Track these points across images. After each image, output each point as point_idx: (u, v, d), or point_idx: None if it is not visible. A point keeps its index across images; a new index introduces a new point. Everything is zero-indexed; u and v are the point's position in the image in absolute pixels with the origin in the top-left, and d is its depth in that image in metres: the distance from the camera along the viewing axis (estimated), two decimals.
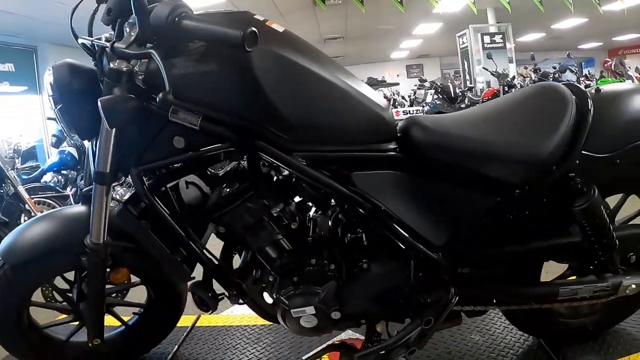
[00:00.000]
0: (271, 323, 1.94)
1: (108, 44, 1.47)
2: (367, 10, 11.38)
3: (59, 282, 2.01)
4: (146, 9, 1.36)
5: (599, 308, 2.08)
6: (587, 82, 11.51)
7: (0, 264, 1.82)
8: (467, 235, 1.70)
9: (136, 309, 2.23)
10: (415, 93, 13.54)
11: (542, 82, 1.98)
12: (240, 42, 1.26)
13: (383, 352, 1.65)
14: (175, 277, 2.03)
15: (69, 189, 6.61)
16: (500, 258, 1.75)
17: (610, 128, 1.67)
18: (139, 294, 2.19)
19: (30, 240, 1.82)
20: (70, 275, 1.96)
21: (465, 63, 13.70)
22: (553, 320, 2.05)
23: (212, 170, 1.76)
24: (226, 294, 1.77)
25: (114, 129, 1.52)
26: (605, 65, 18.49)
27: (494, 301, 1.79)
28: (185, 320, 2.57)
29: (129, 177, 1.61)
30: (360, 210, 1.64)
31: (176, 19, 1.33)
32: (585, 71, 14.57)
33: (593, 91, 1.73)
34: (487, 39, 12.97)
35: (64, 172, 6.88)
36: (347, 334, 2.33)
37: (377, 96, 1.67)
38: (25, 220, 3.91)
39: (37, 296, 2.01)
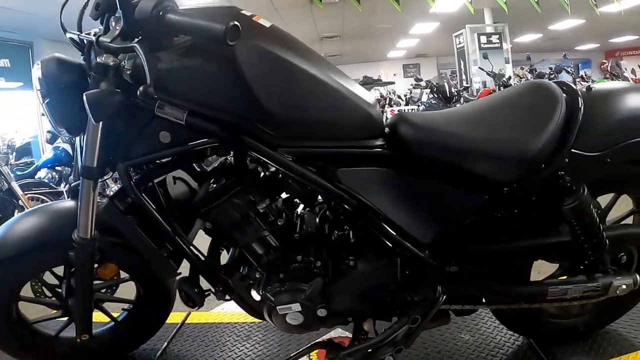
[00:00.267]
0: (261, 320, 1.94)
1: (94, 38, 1.47)
2: (364, 9, 11.35)
3: (49, 277, 2.00)
4: (131, 3, 1.37)
5: (589, 308, 2.07)
6: (584, 84, 11.50)
7: None
8: (455, 233, 1.69)
9: (125, 305, 2.22)
10: (411, 92, 13.51)
11: (534, 80, 1.97)
12: (223, 36, 1.26)
13: (370, 350, 1.64)
14: (162, 273, 2.00)
15: (62, 185, 6.61)
16: (489, 257, 1.75)
17: (601, 127, 1.66)
18: (128, 290, 2.18)
19: (19, 235, 1.83)
20: (60, 270, 1.95)
21: (462, 63, 13.69)
22: (543, 320, 2.04)
23: (200, 166, 1.75)
24: (212, 290, 1.77)
25: (100, 124, 1.52)
26: (602, 66, 18.49)
27: (483, 300, 1.79)
28: (175, 317, 2.57)
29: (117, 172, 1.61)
30: (346, 207, 1.64)
31: (160, 12, 1.34)
32: (581, 72, 14.54)
33: (584, 89, 1.72)
34: (483, 39, 12.95)
35: (58, 168, 6.88)
36: (337, 332, 2.32)
37: (364, 93, 1.66)
38: None
39: (27, 291, 2.00)
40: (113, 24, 1.45)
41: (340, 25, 15.38)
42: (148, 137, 1.55)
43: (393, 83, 15.86)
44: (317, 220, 1.75)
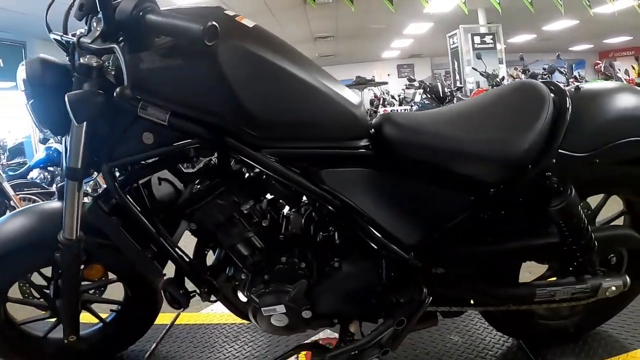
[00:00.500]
0: (249, 322, 1.91)
1: (75, 39, 1.45)
2: (357, 9, 11.35)
3: (38, 278, 1.99)
4: (111, 4, 1.37)
5: (579, 310, 2.05)
6: (577, 84, 11.49)
7: None
8: (441, 234, 1.68)
9: (114, 306, 2.22)
10: (404, 93, 13.51)
11: (521, 80, 1.96)
12: (200, 36, 1.26)
13: (355, 352, 1.63)
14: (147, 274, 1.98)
15: (54, 185, 6.58)
16: (476, 258, 1.74)
17: (589, 127, 1.65)
18: (117, 291, 2.17)
19: (5, 236, 1.82)
20: (48, 271, 1.94)
21: (456, 63, 13.70)
22: (532, 321, 2.02)
23: (185, 167, 1.73)
24: (198, 291, 1.75)
25: (84, 125, 1.52)
26: (596, 67, 18.54)
27: (471, 302, 1.77)
28: (164, 318, 2.55)
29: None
30: (330, 208, 1.63)
31: (140, 13, 1.34)
32: (575, 73, 14.56)
33: (573, 89, 1.71)
34: (477, 39, 12.96)
35: (50, 168, 6.86)
36: (326, 334, 2.31)
37: (349, 93, 1.65)
38: None
39: (15, 292, 2.00)
40: (94, 24, 1.45)
41: (334, 25, 15.37)
42: (131, 138, 1.55)
43: (386, 83, 15.89)
44: (303, 221, 1.74)
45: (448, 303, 1.76)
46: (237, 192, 1.65)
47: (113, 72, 1.48)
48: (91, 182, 5.91)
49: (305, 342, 2.11)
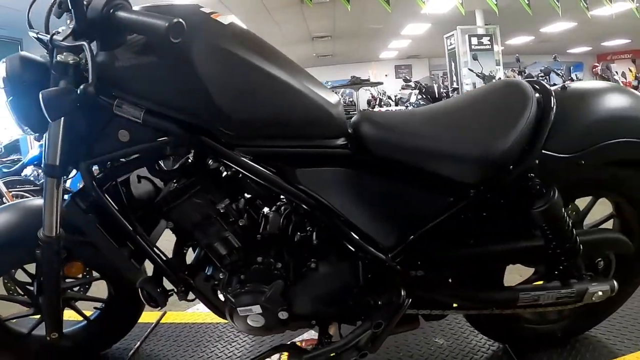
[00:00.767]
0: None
1: (48, 37, 1.47)
2: (354, 9, 11.35)
3: (22, 275, 2.00)
4: (82, 2, 1.38)
5: (567, 314, 2.01)
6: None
7: None
8: (419, 236, 1.65)
9: (98, 304, 2.22)
10: (400, 93, 13.54)
11: (506, 79, 1.93)
12: (165, 33, 1.27)
13: (332, 354, 1.62)
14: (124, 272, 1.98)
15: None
16: (457, 261, 1.71)
17: (575, 127, 1.61)
18: (102, 289, 2.18)
19: None
20: (33, 268, 1.93)
21: (453, 64, 13.67)
22: (518, 325, 1.99)
23: (162, 165, 1.72)
24: (175, 290, 1.74)
25: (61, 122, 1.52)
26: (594, 70, 18.59)
27: (453, 305, 1.75)
28: (151, 317, 2.61)
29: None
30: (306, 208, 1.61)
31: (111, 10, 1.35)
32: (572, 75, 14.58)
33: (559, 89, 1.68)
34: (474, 40, 12.92)
35: None
36: (310, 334, 2.30)
37: (326, 92, 1.64)
38: None
39: (0, 289, 2.02)
40: (68, 22, 1.45)
41: (331, 25, 15.39)
42: (108, 135, 1.54)
43: (381, 83, 15.90)
44: (281, 221, 1.72)
45: (429, 306, 1.73)
46: (213, 191, 1.63)
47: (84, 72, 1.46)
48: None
49: (283, 343, 2.08)
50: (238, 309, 1.64)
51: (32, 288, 1.95)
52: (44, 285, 1.80)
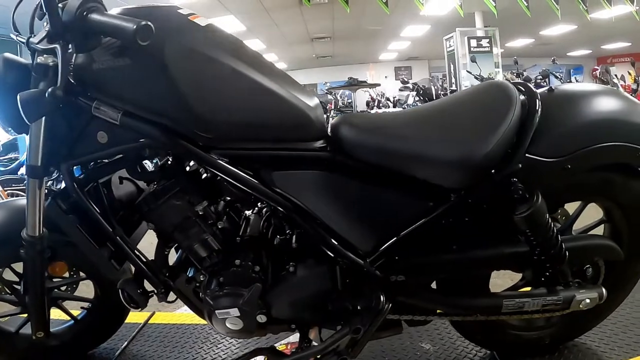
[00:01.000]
0: None
1: (25, 40, 1.50)
2: (353, 11, 11.33)
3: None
4: (56, 5, 1.39)
5: (555, 321, 1.97)
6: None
7: None
8: (398, 241, 1.62)
9: (86, 304, 2.24)
10: (398, 94, 13.55)
11: (491, 80, 1.90)
12: (132, 36, 1.27)
13: (311, 359, 1.61)
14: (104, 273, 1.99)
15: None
16: (439, 267, 1.68)
17: (561, 130, 1.58)
18: (91, 288, 2.20)
19: None
20: (20, 267, 1.94)
21: (452, 66, 13.64)
22: (503, 332, 1.95)
23: (141, 167, 1.72)
24: (155, 291, 1.74)
25: (42, 123, 1.53)
26: (593, 73, 18.57)
27: (436, 311, 1.72)
28: (140, 317, 2.64)
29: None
30: (283, 211, 1.60)
31: (84, 13, 1.36)
32: (572, 78, 14.55)
33: (546, 91, 1.65)
34: (473, 42, 12.88)
35: None
36: (296, 338, 2.23)
37: (305, 95, 1.62)
38: None
39: None
40: (44, 24, 1.46)
41: (330, 26, 15.39)
42: (87, 137, 1.55)
43: (379, 85, 15.91)
44: (261, 224, 1.72)
45: (411, 311, 1.71)
46: (192, 193, 1.63)
47: (71, 72, 1.49)
48: None
49: (262, 346, 2.07)
50: (216, 311, 1.63)
51: (19, 287, 1.94)
52: (29, 284, 1.81)
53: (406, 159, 1.55)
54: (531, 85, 1.66)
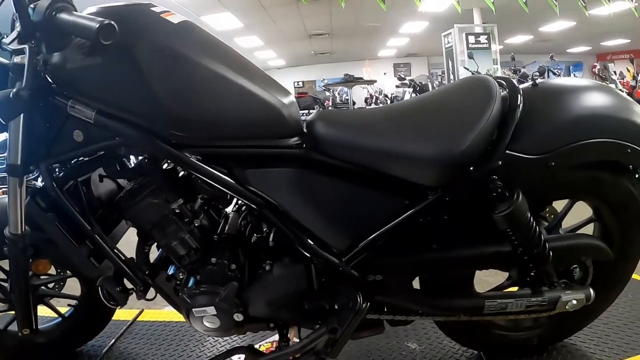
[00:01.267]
0: None
1: None
2: (350, 7, 11.36)
3: None
4: (25, 5, 1.39)
5: (544, 321, 1.93)
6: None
7: None
8: (374, 240, 1.59)
9: (73, 302, 2.24)
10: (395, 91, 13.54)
11: (475, 75, 1.86)
12: (95, 35, 1.27)
13: (289, 358, 1.61)
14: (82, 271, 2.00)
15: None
16: (419, 266, 1.65)
17: (544, 126, 1.54)
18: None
19: None
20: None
21: (450, 63, 13.61)
22: (489, 332, 1.91)
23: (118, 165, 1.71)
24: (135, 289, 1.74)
25: (20, 122, 1.54)
26: (593, 69, 18.54)
27: (419, 311, 1.68)
28: (129, 315, 2.67)
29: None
30: (257, 209, 1.58)
31: (53, 13, 1.37)
32: (571, 75, 14.52)
33: (530, 86, 1.61)
34: (472, 39, 12.86)
35: None
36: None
37: (280, 92, 1.61)
38: None
39: None
40: (17, 25, 1.48)
41: (328, 22, 15.39)
42: (64, 136, 1.55)
43: (375, 81, 15.88)
44: (239, 222, 1.70)
45: (391, 312, 1.68)
46: (168, 191, 1.62)
47: (48, 72, 1.49)
48: None
49: (241, 345, 2.08)
50: (193, 309, 1.63)
51: (6, 284, 1.94)
52: (14, 282, 1.80)
53: (381, 156, 1.52)
54: (514, 80, 1.62)
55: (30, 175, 1.73)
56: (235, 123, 1.52)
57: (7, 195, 1.63)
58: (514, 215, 1.47)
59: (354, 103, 14.91)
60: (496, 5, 11.46)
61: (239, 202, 1.72)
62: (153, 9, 1.52)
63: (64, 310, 2.24)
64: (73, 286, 2.17)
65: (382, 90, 16.13)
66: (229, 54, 1.59)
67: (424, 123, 1.56)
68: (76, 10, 1.42)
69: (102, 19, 1.28)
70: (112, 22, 1.28)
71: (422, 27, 16.63)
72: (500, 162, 1.49)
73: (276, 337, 2.19)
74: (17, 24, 1.45)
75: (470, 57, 10.91)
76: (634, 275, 1.89)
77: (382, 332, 1.74)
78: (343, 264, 1.59)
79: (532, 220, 1.52)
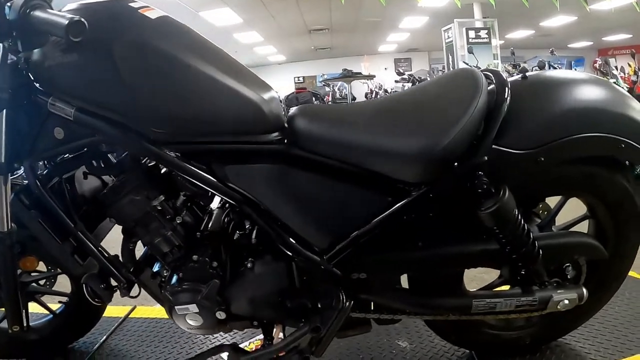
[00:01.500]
0: None
1: None
2: (349, 2, 11.38)
3: None
4: (2, 4, 1.38)
5: (536, 320, 1.89)
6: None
7: None
8: (356, 238, 1.55)
9: (64, 299, 2.25)
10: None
11: (462, 68, 1.82)
12: (64, 32, 1.28)
13: (273, 357, 1.60)
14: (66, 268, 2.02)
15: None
16: (405, 264, 1.62)
17: (533, 121, 1.49)
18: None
19: None
20: None
21: (451, 57, 13.58)
22: (479, 331, 1.87)
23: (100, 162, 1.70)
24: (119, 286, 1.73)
25: (2, 119, 1.53)
26: (594, 65, 18.48)
27: (405, 310, 1.65)
28: (121, 311, 2.66)
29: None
30: (237, 206, 1.56)
31: (27, 10, 1.36)
32: (573, 70, 14.45)
33: (519, 78, 1.57)
34: (472, 33, 12.85)
35: None
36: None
37: (261, 87, 1.58)
38: None
39: None
40: None
41: (327, 17, 15.39)
42: (46, 133, 1.55)
43: (373, 77, 15.86)
44: (222, 219, 1.68)
45: (377, 310, 1.65)
46: (149, 188, 1.61)
47: (28, 69, 1.50)
48: None
49: (225, 343, 2.07)
50: (176, 307, 1.63)
51: None
52: (1, 279, 1.79)
53: (362, 151, 1.48)
54: (501, 73, 1.57)
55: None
56: (213, 119, 1.50)
57: None
58: (500, 212, 1.42)
59: (354, 98, 14.93)
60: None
61: (222, 198, 1.69)
62: (131, 4, 1.51)
63: (55, 307, 2.24)
64: (64, 283, 2.16)
65: (381, 86, 16.09)
66: (208, 49, 1.57)
67: (407, 117, 1.52)
68: (51, 8, 1.42)
69: (72, 15, 1.27)
70: (82, 19, 1.28)
71: (422, 22, 16.63)
72: (486, 158, 1.44)
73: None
74: None
75: (470, 52, 10.90)
76: (632, 273, 1.85)
77: (369, 330, 1.72)
78: (324, 262, 1.55)
79: (520, 217, 1.48)
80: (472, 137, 1.44)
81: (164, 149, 1.50)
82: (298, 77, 23.16)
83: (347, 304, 1.56)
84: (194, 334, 2.34)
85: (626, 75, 13.51)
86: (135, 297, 1.75)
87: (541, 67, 10.04)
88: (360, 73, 14.55)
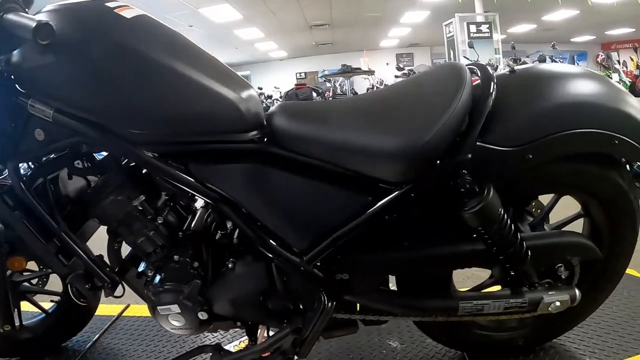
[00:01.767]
0: None
1: None
2: None
3: None
4: None
5: (529, 321, 1.84)
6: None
7: None
8: (336, 239, 1.51)
9: (56, 298, 2.26)
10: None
11: (447, 62, 1.78)
12: (32, 35, 1.27)
13: (255, 358, 1.59)
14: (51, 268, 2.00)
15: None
16: (387, 265, 1.58)
17: (521, 116, 1.44)
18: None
19: None
20: None
21: (452, 52, 13.52)
22: (469, 332, 1.84)
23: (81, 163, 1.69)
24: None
25: None
26: (597, 59, 18.45)
27: (390, 311, 1.62)
28: (115, 310, 2.67)
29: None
30: (215, 206, 1.55)
31: (1, 13, 1.37)
32: (575, 64, 14.43)
33: (507, 72, 1.53)
34: (473, 28, 12.79)
35: None
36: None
37: (239, 86, 1.57)
38: None
39: None
40: None
41: (328, 13, 15.37)
42: (27, 135, 1.54)
43: (373, 72, 15.83)
44: (204, 219, 1.67)
45: (362, 312, 1.62)
46: (130, 188, 1.60)
47: (9, 71, 1.50)
48: None
49: (209, 343, 2.07)
50: (158, 307, 1.62)
51: None
52: None
53: (341, 149, 1.44)
54: (488, 67, 1.53)
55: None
56: (189, 118, 1.48)
57: None
58: (484, 212, 1.38)
59: (355, 93, 14.88)
60: None
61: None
62: (108, 4, 1.50)
63: (47, 306, 2.26)
64: (56, 282, 2.13)
65: (382, 81, 16.03)
66: (185, 48, 1.57)
67: (387, 114, 1.48)
68: (25, 11, 1.43)
69: (40, 19, 1.28)
70: (49, 22, 1.28)
71: (423, 16, 16.60)
72: (469, 155, 1.40)
73: None
74: None
75: (471, 46, 10.83)
76: (629, 271, 1.80)
77: (355, 331, 1.69)
78: (304, 263, 1.52)
79: (506, 217, 1.44)
80: (455, 133, 1.40)
81: (141, 149, 1.49)
82: (300, 73, 23.16)
83: (330, 305, 1.53)
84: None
85: (628, 70, 13.50)
86: (120, 297, 1.74)
87: (542, 61, 9.97)
88: (359, 68, 14.52)
